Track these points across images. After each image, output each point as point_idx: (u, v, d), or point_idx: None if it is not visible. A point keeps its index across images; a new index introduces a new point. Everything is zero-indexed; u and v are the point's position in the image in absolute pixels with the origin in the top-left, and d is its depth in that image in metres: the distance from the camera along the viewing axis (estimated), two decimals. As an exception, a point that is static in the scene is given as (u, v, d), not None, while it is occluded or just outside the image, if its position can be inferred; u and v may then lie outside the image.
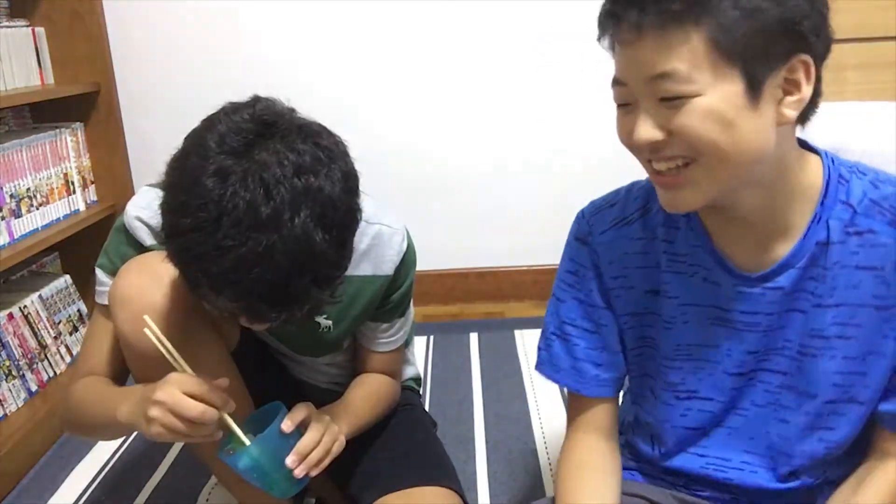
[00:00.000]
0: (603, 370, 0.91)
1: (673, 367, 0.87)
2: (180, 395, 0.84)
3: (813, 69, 0.69)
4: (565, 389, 1.69)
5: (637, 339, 0.90)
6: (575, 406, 0.95)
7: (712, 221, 0.82)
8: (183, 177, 0.79)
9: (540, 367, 0.97)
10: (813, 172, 0.78)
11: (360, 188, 0.93)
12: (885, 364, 0.78)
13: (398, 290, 1.11)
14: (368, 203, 1.06)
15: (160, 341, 0.88)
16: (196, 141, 0.80)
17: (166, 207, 0.81)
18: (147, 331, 0.88)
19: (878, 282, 0.76)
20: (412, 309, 1.22)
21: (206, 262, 0.77)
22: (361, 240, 1.03)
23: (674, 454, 0.92)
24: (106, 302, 1.01)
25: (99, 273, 1.05)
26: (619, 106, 0.76)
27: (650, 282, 0.87)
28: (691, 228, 0.84)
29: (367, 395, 1.15)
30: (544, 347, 0.96)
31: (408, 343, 1.36)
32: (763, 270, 0.80)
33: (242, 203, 0.75)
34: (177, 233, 0.79)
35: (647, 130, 0.72)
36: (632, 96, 0.73)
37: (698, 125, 0.69)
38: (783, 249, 0.79)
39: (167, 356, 0.89)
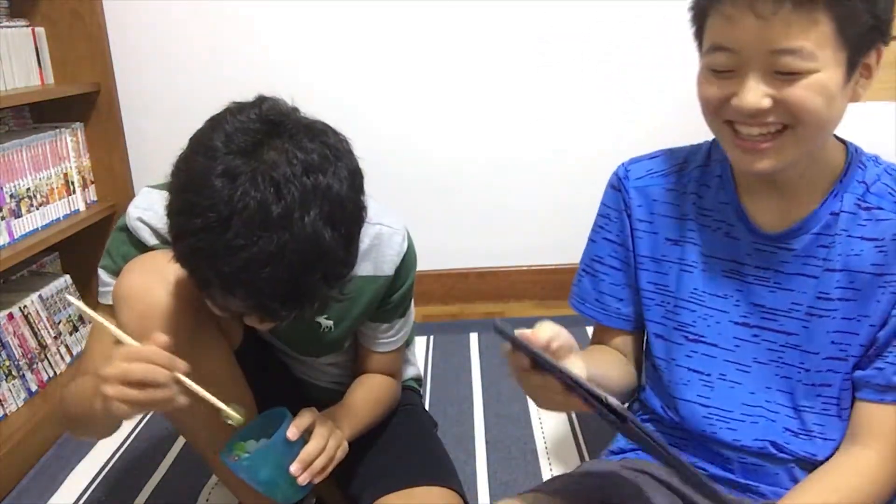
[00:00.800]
0: (624, 305, 1.02)
1: (686, 308, 0.96)
2: (124, 364, 0.82)
3: (882, 54, 0.79)
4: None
5: (650, 283, 0.99)
6: (597, 335, 1.08)
7: (745, 184, 0.92)
8: (190, 177, 0.79)
9: (570, 299, 1.08)
10: (838, 156, 0.89)
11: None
12: (868, 322, 0.87)
13: (398, 291, 1.11)
14: (369, 203, 1.07)
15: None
16: (202, 141, 0.80)
17: (174, 209, 0.81)
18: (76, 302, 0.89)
19: (877, 251, 0.86)
20: (413, 309, 1.22)
21: (217, 263, 0.78)
22: (362, 240, 1.02)
23: (679, 402, 0.96)
24: (109, 302, 1.01)
25: (102, 274, 1.05)
26: (715, 72, 0.80)
27: (673, 231, 0.97)
28: (722, 187, 0.93)
29: (368, 397, 1.15)
30: (576, 283, 1.07)
31: (408, 343, 1.36)
32: (779, 231, 0.89)
33: (253, 202, 0.76)
34: (186, 234, 0.79)
35: (757, 98, 0.77)
36: (739, 64, 0.77)
37: (810, 98, 0.76)
38: (800, 214, 0.88)
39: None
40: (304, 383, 1.23)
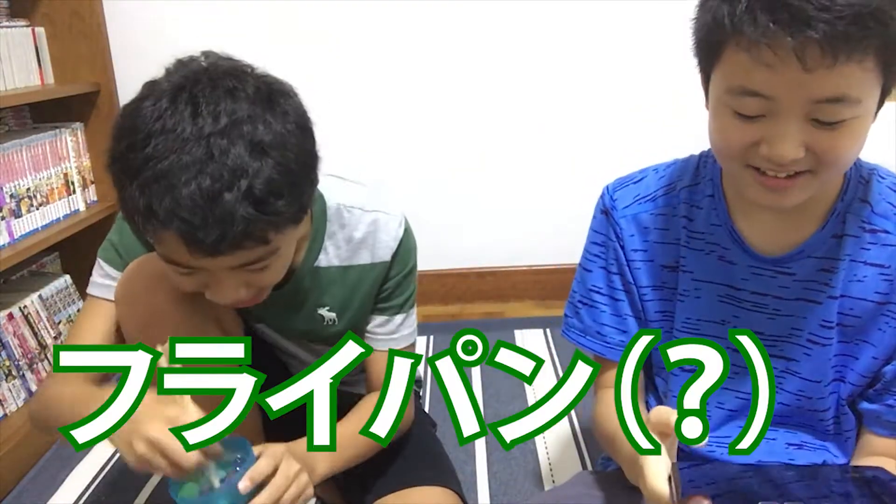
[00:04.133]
0: (628, 337, 0.95)
1: (682, 339, 0.90)
2: (172, 438, 0.77)
3: None
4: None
5: (657, 313, 0.94)
6: (602, 371, 0.99)
7: (738, 205, 0.86)
8: (127, 107, 0.82)
9: (567, 331, 1.02)
10: None
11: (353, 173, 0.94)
12: (872, 352, 0.83)
13: (394, 277, 1.08)
14: (364, 192, 1.09)
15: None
16: (148, 83, 0.85)
17: (110, 139, 0.83)
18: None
19: (881, 279, 0.81)
20: (415, 310, 1.17)
21: (137, 179, 0.78)
22: (358, 227, 1.04)
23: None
24: (100, 294, 1.02)
25: (101, 263, 1.04)
26: (741, 115, 0.71)
27: (669, 257, 0.91)
28: (714, 208, 0.87)
29: (358, 429, 1.10)
30: (572, 314, 1.01)
31: (419, 384, 1.35)
32: (779, 255, 0.83)
33: (170, 117, 0.78)
34: (114, 159, 0.81)
35: (793, 149, 0.69)
36: (772, 110, 0.69)
37: (847, 145, 0.70)
38: (800, 237, 0.82)
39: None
40: None
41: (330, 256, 1.05)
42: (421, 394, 1.39)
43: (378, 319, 1.11)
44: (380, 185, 1.10)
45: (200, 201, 0.76)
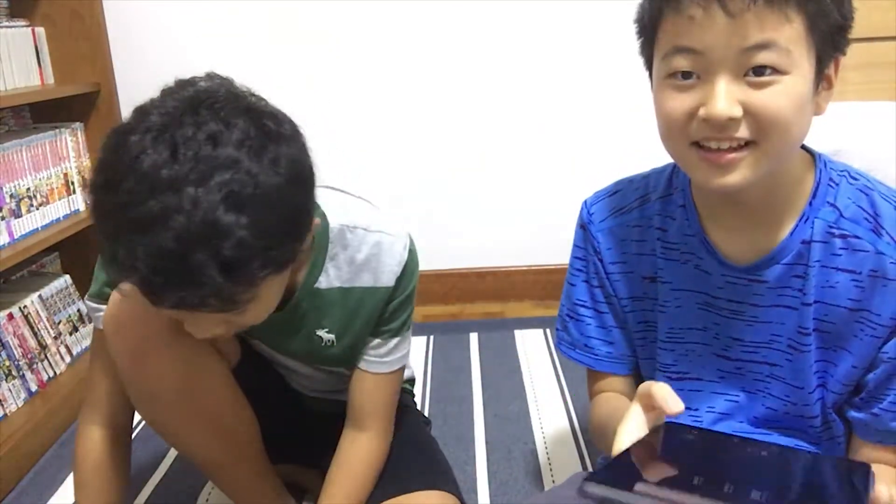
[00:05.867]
0: (614, 348, 0.97)
1: (665, 349, 0.92)
2: None
3: (839, 64, 0.76)
4: (565, 390, 1.70)
5: (639, 324, 0.95)
6: (592, 380, 1.02)
7: (707, 212, 0.86)
8: (114, 133, 0.76)
9: (559, 344, 1.03)
10: (807, 171, 0.82)
11: (354, 193, 0.92)
12: (850, 360, 0.82)
13: (397, 299, 1.05)
14: (367, 210, 1.04)
15: None
16: (140, 106, 0.78)
17: (93, 167, 0.79)
18: None
19: (853, 285, 0.80)
20: (410, 333, 1.12)
21: (105, 221, 0.74)
22: (360, 249, 1.00)
23: None
24: (100, 326, 1.01)
25: (91, 304, 1.03)
26: (676, 77, 0.73)
27: (647, 268, 0.92)
28: (686, 219, 0.88)
29: (350, 487, 1.07)
30: (561, 328, 1.02)
31: (411, 382, 1.34)
32: (749, 263, 0.84)
33: (148, 161, 0.71)
34: (92, 189, 0.76)
35: (729, 105, 0.70)
36: (705, 67, 0.71)
37: (783, 105, 0.71)
38: (770, 244, 0.82)
39: None
40: (302, 395, 1.21)
41: (331, 278, 1.01)
42: (413, 392, 1.38)
43: (373, 342, 1.06)
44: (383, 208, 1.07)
45: (162, 260, 0.71)
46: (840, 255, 0.80)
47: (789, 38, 0.69)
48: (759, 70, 0.70)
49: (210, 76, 0.81)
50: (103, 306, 1.00)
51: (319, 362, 1.11)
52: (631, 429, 0.68)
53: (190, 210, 0.70)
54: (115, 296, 0.97)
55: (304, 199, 0.81)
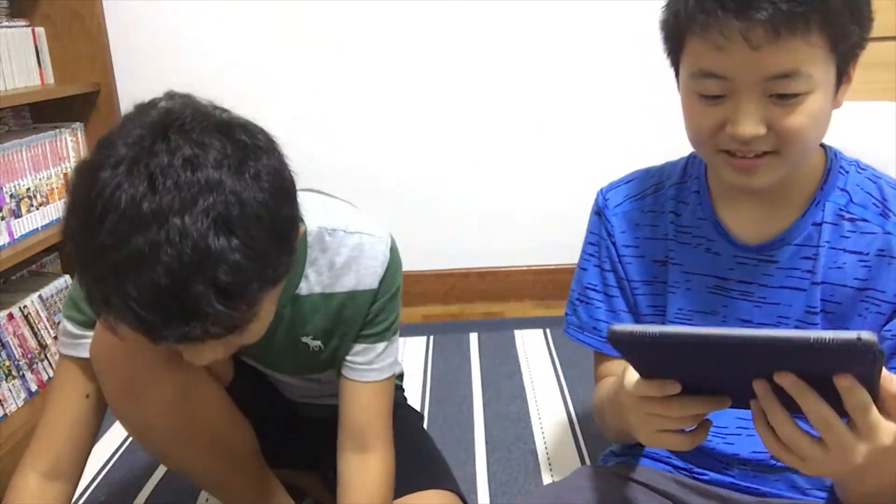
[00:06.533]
0: None
1: None
2: None
3: (858, 60, 0.78)
4: (565, 390, 1.70)
5: (648, 307, 0.97)
6: (599, 365, 1.04)
7: (721, 197, 0.90)
8: (81, 170, 0.72)
9: (567, 328, 1.05)
10: (817, 160, 0.86)
11: (339, 197, 0.90)
12: None
13: (380, 299, 1.00)
14: (346, 210, 1.01)
15: None
16: (104, 137, 0.73)
17: (65, 207, 0.73)
18: None
19: (860, 265, 0.83)
20: (398, 336, 1.08)
21: (91, 267, 0.69)
22: (340, 251, 0.96)
23: None
24: (72, 353, 0.97)
25: (68, 325, 0.97)
26: (704, 97, 0.77)
27: (659, 252, 0.95)
28: (699, 203, 0.92)
29: None
30: (571, 312, 1.04)
31: (400, 377, 1.32)
32: (760, 243, 0.87)
33: (125, 196, 0.67)
34: (68, 235, 0.71)
35: (753, 126, 0.74)
36: (731, 89, 0.75)
37: (805, 124, 0.74)
38: (781, 226, 0.86)
39: None
40: (294, 402, 1.21)
41: (311, 283, 0.97)
42: (403, 387, 1.37)
43: (357, 348, 1.01)
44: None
45: (158, 298, 0.67)
46: (848, 237, 0.84)
47: (812, 63, 0.72)
48: (783, 95, 0.73)
49: (170, 95, 0.76)
50: (89, 333, 0.96)
51: (309, 370, 1.08)
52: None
53: (179, 241, 0.67)
54: (100, 327, 0.91)
55: (290, 209, 0.77)
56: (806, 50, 0.71)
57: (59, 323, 1.79)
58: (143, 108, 0.74)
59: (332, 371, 1.07)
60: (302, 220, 0.78)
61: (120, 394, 0.95)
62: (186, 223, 0.67)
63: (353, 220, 0.98)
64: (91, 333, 0.96)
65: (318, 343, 1.02)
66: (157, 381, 0.94)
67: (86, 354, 0.96)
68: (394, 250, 1.00)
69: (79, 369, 0.98)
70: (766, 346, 0.57)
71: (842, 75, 0.76)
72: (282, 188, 0.75)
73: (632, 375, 0.72)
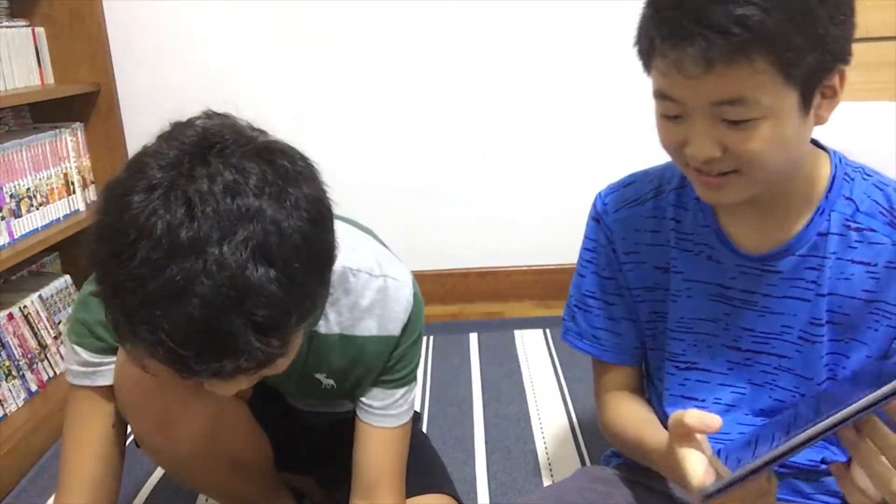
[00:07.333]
0: (622, 339, 0.98)
1: (675, 338, 0.93)
2: None
3: (845, 74, 0.74)
4: (565, 390, 1.70)
5: (650, 314, 0.96)
6: (598, 371, 1.03)
7: (721, 205, 0.87)
8: (111, 193, 0.67)
9: (565, 335, 1.04)
10: (821, 167, 0.83)
11: (370, 230, 0.89)
12: (864, 350, 0.83)
13: (402, 346, 0.97)
14: (372, 249, 0.97)
15: None
16: (136, 157, 0.69)
17: (92, 232, 0.68)
18: None
19: (868, 276, 0.81)
20: (416, 382, 1.05)
21: (120, 297, 0.65)
22: (364, 294, 0.93)
23: None
24: (85, 383, 0.93)
25: (77, 349, 0.91)
26: (666, 117, 0.77)
27: (660, 258, 0.93)
28: (700, 210, 0.89)
29: None
30: (568, 318, 1.03)
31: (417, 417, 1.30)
32: (762, 253, 0.85)
33: (161, 224, 0.63)
34: (97, 261, 0.67)
35: (706, 148, 0.73)
36: (685, 112, 0.74)
37: (760, 148, 0.72)
38: (785, 235, 0.83)
39: None
40: (299, 410, 1.19)
41: (330, 323, 0.94)
42: None
43: (374, 392, 0.98)
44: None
45: (191, 332, 0.64)
46: (856, 247, 0.82)
47: (759, 89, 0.69)
48: (732, 121, 0.71)
49: (209, 115, 0.73)
50: (108, 359, 0.91)
51: (318, 399, 1.07)
52: (695, 463, 0.69)
53: (216, 272, 0.63)
54: (125, 357, 0.85)
55: (328, 238, 0.74)
56: (751, 77, 0.68)
57: (59, 323, 1.79)
58: (179, 127, 0.71)
59: (343, 401, 1.05)
60: (336, 251, 0.76)
61: (152, 428, 0.92)
62: (225, 253, 0.63)
63: (378, 261, 0.94)
64: (111, 359, 0.91)
65: (332, 382, 0.99)
66: (190, 413, 0.91)
67: (105, 382, 0.92)
68: (417, 297, 0.98)
69: (100, 399, 0.93)
70: (852, 417, 0.61)
71: (810, 98, 0.72)
72: (321, 217, 0.71)
73: (697, 475, 0.69)
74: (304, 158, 0.73)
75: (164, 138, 0.70)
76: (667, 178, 0.94)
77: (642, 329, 0.97)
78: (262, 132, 0.73)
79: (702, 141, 0.73)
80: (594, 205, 0.99)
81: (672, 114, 0.76)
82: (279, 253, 0.65)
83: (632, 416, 0.96)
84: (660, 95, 0.76)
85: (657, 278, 0.94)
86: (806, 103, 0.72)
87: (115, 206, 0.65)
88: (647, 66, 0.77)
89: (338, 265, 0.86)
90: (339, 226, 0.86)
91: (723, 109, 0.71)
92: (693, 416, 0.69)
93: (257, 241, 0.64)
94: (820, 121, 0.75)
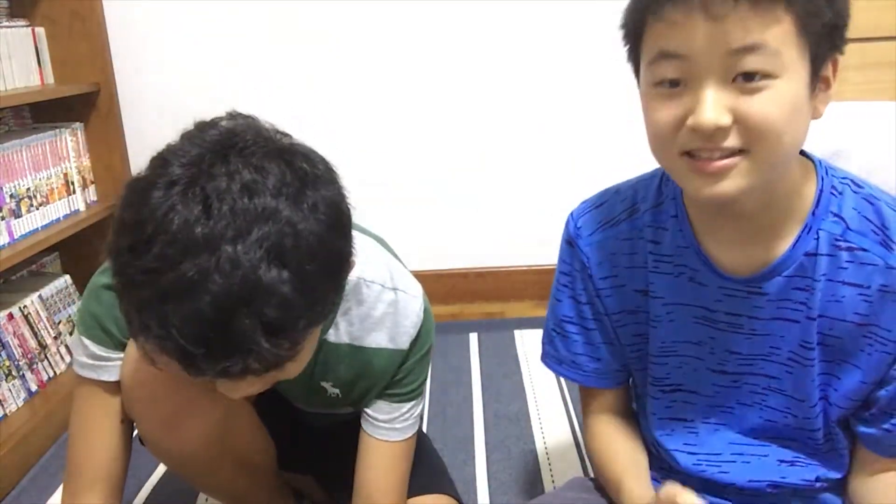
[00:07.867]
0: (602, 364, 0.95)
1: (658, 363, 0.90)
2: None
3: (837, 68, 0.72)
4: (565, 390, 1.70)
5: (633, 336, 0.92)
6: (583, 394, 1.01)
7: (701, 223, 0.83)
8: (133, 188, 0.68)
9: (544, 358, 1.01)
10: (807, 179, 0.79)
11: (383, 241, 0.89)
12: (858, 375, 0.80)
13: (411, 360, 0.98)
14: (385, 262, 0.97)
15: None
16: (159, 154, 0.70)
17: (112, 225, 0.70)
18: None
19: (861, 299, 0.77)
20: (423, 396, 1.05)
21: (134, 290, 0.66)
22: (376, 306, 0.93)
23: (665, 452, 0.92)
24: (94, 376, 0.91)
25: (86, 342, 0.90)
26: (663, 85, 0.70)
27: (639, 281, 0.89)
28: (679, 230, 0.84)
29: None
30: (547, 342, 0.99)
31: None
32: (748, 275, 0.80)
33: (178, 219, 0.64)
34: (114, 253, 0.68)
35: (717, 113, 0.66)
36: (691, 73, 0.68)
37: (774, 111, 0.66)
38: (771, 256, 0.79)
39: None
40: (302, 411, 1.18)
41: (340, 333, 0.94)
42: None
43: (381, 405, 0.99)
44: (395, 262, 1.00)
45: (201, 328, 0.64)
46: (847, 267, 0.77)
47: (779, 39, 0.65)
48: (749, 75, 0.66)
49: (232, 115, 0.74)
50: (116, 355, 0.91)
51: (323, 407, 1.06)
52: None
53: (229, 270, 0.63)
54: (134, 354, 0.88)
55: (345, 244, 0.74)
56: (772, 24, 0.65)
57: (59, 323, 1.79)
58: (203, 126, 0.72)
59: (348, 408, 1.05)
60: (353, 257, 0.76)
61: (159, 426, 0.92)
62: (238, 252, 0.64)
63: (391, 274, 0.94)
64: (120, 355, 0.91)
65: (337, 391, 0.99)
66: (199, 413, 0.91)
67: (112, 377, 0.92)
68: (427, 311, 0.97)
69: (107, 393, 0.93)
70: None
71: (817, 72, 0.69)
72: (338, 221, 0.72)
73: None
74: (324, 162, 0.74)
75: (187, 136, 0.71)
76: (640, 196, 0.89)
77: (625, 352, 0.93)
78: (287, 135, 0.74)
79: (712, 105, 0.66)
80: (567, 226, 0.94)
81: (673, 76, 0.69)
82: (293, 254, 0.66)
83: (618, 455, 0.93)
84: (662, 56, 0.69)
85: (638, 301, 0.89)
86: (813, 82, 0.69)
87: (135, 200, 0.67)
88: (638, 40, 0.74)
89: (352, 276, 0.88)
90: (355, 235, 0.84)
91: (739, 59, 0.65)
92: (687, 500, 0.70)
93: (272, 242, 0.65)
94: (816, 114, 0.72)
